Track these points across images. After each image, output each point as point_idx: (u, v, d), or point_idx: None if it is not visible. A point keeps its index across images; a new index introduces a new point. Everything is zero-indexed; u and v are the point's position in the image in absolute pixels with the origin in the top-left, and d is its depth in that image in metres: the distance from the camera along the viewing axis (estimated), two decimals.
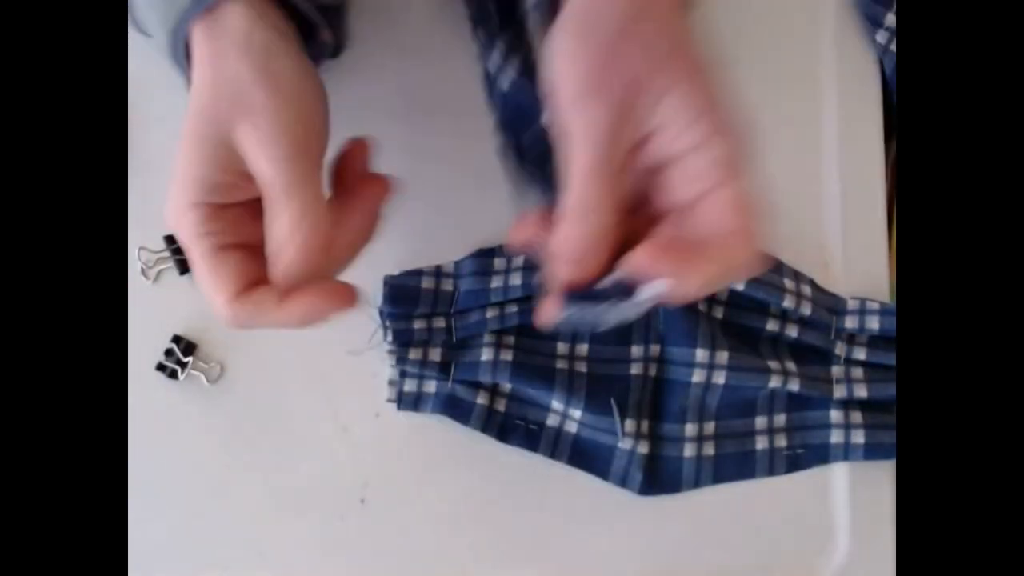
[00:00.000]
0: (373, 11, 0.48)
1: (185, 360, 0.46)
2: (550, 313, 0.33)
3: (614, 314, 0.33)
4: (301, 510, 0.46)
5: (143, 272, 0.47)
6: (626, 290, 0.31)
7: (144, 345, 0.46)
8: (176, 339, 0.46)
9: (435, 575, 0.46)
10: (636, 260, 0.30)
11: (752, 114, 0.50)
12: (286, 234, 0.33)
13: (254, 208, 0.36)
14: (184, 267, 0.46)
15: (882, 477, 0.47)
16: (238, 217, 0.36)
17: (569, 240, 0.31)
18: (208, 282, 0.34)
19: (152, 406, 0.46)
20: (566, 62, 0.31)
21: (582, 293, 0.32)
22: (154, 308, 0.47)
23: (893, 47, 0.49)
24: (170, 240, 0.46)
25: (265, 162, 0.34)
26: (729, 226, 0.30)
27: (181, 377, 0.46)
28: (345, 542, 0.46)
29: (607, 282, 0.32)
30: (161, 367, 0.46)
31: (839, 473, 0.47)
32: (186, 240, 0.35)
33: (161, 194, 0.47)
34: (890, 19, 0.49)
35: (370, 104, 0.47)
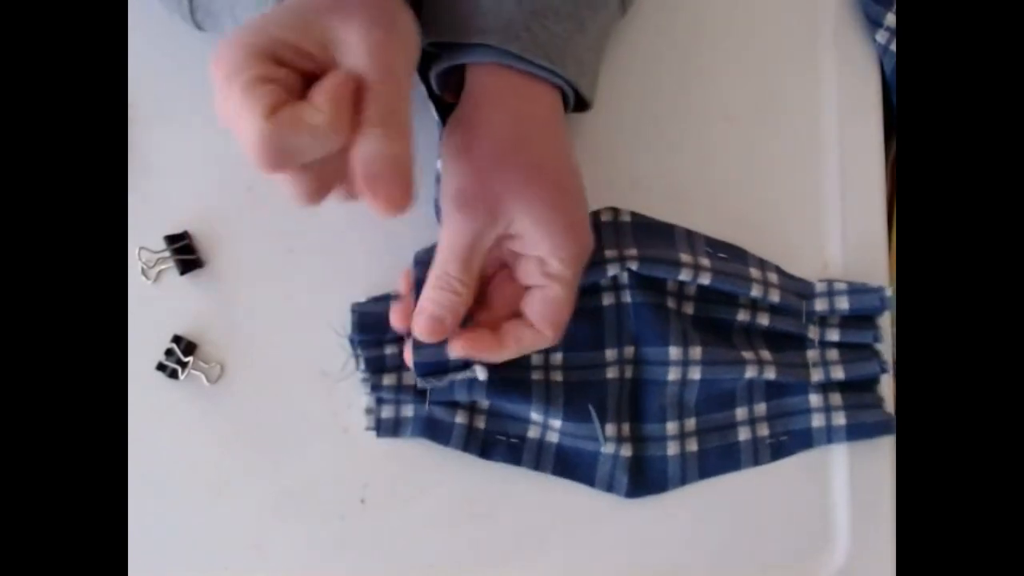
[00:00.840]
0: None
1: (185, 360, 0.46)
2: (407, 357, 0.42)
3: (455, 381, 0.43)
4: (301, 510, 0.46)
5: (143, 272, 0.47)
6: (464, 364, 0.42)
7: (144, 345, 0.46)
8: (176, 339, 0.46)
9: (435, 575, 0.46)
10: (456, 347, 0.40)
11: (752, 114, 0.50)
12: (392, 156, 0.33)
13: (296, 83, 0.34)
14: (184, 267, 0.46)
15: (882, 477, 0.47)
16: (284, 80, 0.33)
17: (426, 302, 0.40)
18: (241, 104, 0.31)
19: (152, 406, 0.46)
20: (448, 175, 0.40)
21: (433, 364, 0.42)
22: (154, 308, 0.47)
23: (893, 47, 0.49)
24: (170, 240, 0.46)
25: (379, 69, 0.33)
26: (538, 320, 0.40)
27: (181, 377, 0.46)
28: (345, 542, 0.46)
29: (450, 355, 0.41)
30: (161, 367, 0.46)
31: (838, 472, 0.47)
32: (227, 69, 0.32)
33: (161, 194, 0.47)
34: (890, 19, 0.49)
35: None
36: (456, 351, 0.41)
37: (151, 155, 0.48)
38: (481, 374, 0.43)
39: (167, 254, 0.46)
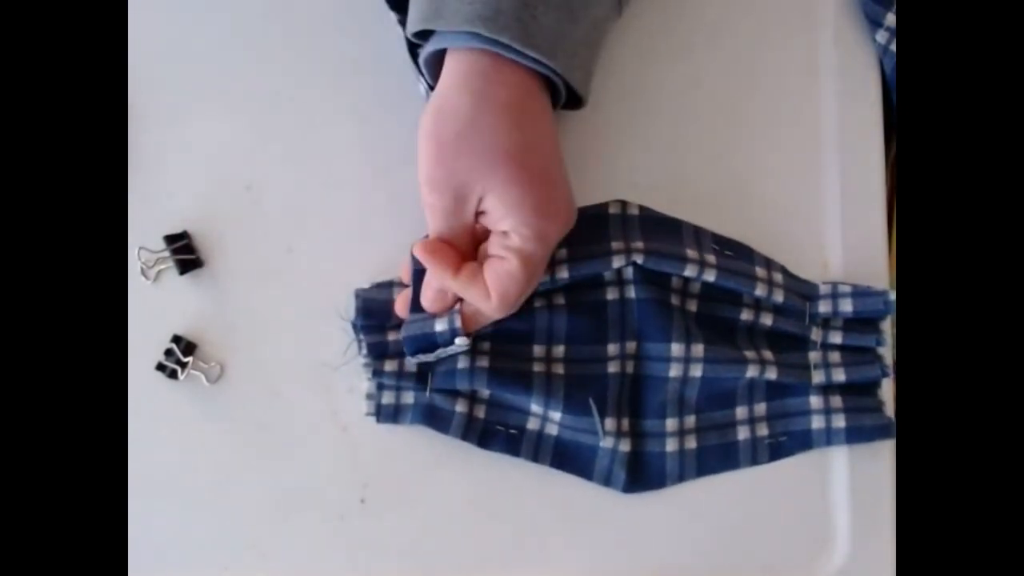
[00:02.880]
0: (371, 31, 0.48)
1: (185, 360, 0.46)
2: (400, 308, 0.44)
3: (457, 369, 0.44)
4: (301, 510, 0.46)
5: (143, 272, 0.47)
6: (451, 338, 0.43)
7: (144, 345, 0.46)
8: (176, 339, 0.46)
9: (434, 575, 0.46)
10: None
11: (752, 114, 0.50)
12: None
13: None
14: (184, 267, 0.46)
15: (882, 477, 0.47)
16: None
17: (430, 277, 0.43)
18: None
19: (152, 406, 0.46)
20: (420, 154, 0.41)
21: (420, 338, 0.43)
22: (154, 308, 0.47)
23: (893, 47, 0.49)
24: (170, 240, 0.46)
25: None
26: (490, 284, 0.42)
27: (181, 377, 0.46)
28: (345, 542, 0.46)
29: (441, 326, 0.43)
30: (161, 367, 0.46)
31: (839, 473, 0.47)
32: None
33: (161, 194, 0.47)
34: (890, 19, 0.49)
35: (346, 110, 0.48)
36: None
37: (151, 155, 0.48)
38: (461, 342, 0.43)
39: (167, 254, 0.46)
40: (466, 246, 0.43)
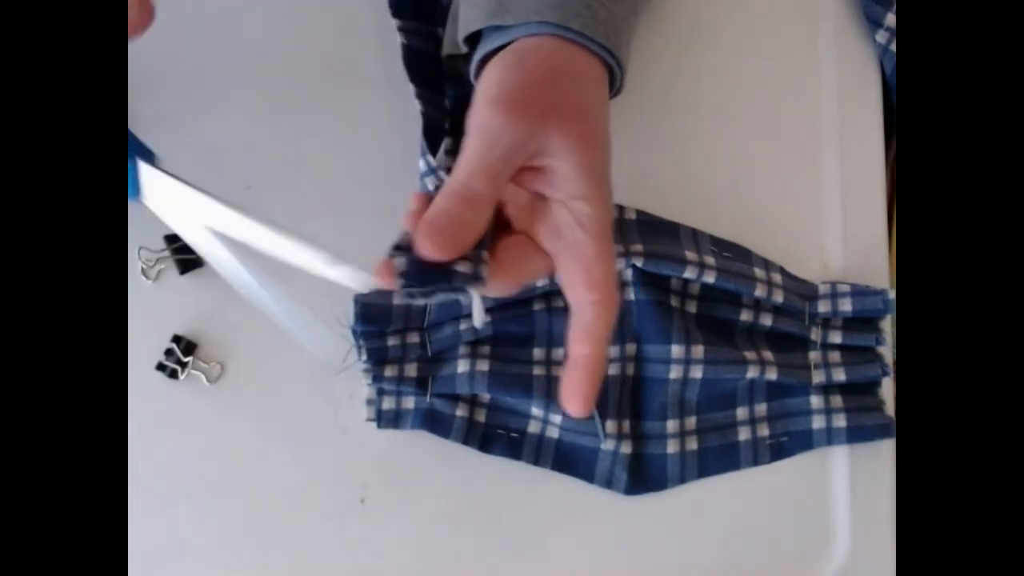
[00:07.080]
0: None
1: (185, 360, 0.46)
2: (384, 274, 0.34)
3: (442, 297, 0.34)
4: (301, 510, 0.46)
5: (143, 272, 0.47)
6: (462, 287, 0.33)
7: (144, 345, 0.46)
8: (176, 339, 0.46)
9: (435, 575, 0.46)
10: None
11: (752, 114, 0.50)
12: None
13: None
14: (184, 267, 0.46)
15: (882, 477, 0.47)
16: None
17: (437, 213, 0.34)
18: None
19: (152, 406, 0.46)
20: (497, 75, 0.36)
21: (427, 272, 0.33)
22: (154, 308, 0.47)
23: (893, 47, 0.49)
24: (170, 240, 0.46)
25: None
26: (586, 299, 0.35)
27: (181, 377, 0.46)
28: (345, 542, 0.46)
29: (457, 271, 0.33)
30: (161, 367, 0.46)
31: (839, 473, 0.47)
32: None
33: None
34: (890, 19, 0.49)
35: (356, 116, 0.48)
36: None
37: None
38: (478, 317, 0.38)
39: (167, 254, 0.46)
40: (497, 199, 0.35)
